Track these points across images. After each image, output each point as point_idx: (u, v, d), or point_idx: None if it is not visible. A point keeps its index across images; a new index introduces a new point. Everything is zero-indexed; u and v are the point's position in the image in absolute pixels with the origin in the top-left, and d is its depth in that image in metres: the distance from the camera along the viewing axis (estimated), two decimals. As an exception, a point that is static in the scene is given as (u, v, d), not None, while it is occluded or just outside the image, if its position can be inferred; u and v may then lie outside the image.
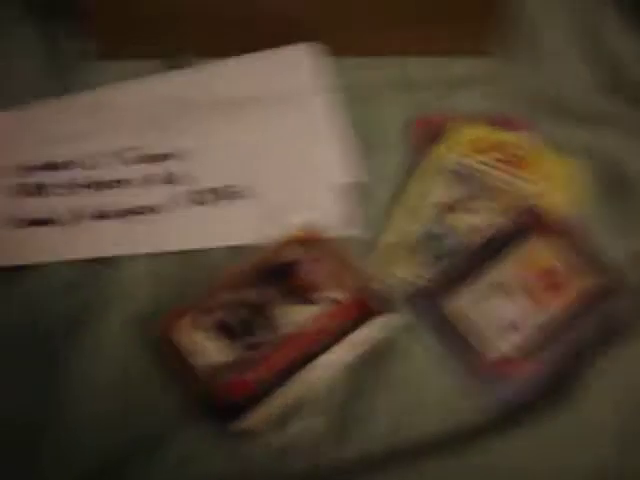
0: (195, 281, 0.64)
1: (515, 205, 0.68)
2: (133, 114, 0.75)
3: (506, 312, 0.62)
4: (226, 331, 0.60)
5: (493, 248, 0.65)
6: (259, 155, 0.72)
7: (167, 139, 0.73)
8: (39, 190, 0.70)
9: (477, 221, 0.67)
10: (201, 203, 0.69)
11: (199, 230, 0.68)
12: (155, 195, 0.70)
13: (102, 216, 0.69)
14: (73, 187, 0.70)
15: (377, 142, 0.74)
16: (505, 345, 0.60)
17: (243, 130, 0.73)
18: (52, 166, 0.72)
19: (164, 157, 0.72)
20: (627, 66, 0.79)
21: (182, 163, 0.72)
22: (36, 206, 0.69)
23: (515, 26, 0.82)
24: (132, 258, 0.67)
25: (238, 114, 0.75)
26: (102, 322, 0.63)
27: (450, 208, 0.68)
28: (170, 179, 0.71)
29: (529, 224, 0.66)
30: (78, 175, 0.71)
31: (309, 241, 0.65)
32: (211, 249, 0.67)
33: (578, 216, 0.68)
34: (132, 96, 0.77)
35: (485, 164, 0.70)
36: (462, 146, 0.72)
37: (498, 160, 0.71)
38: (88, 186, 0.70)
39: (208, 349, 0.59)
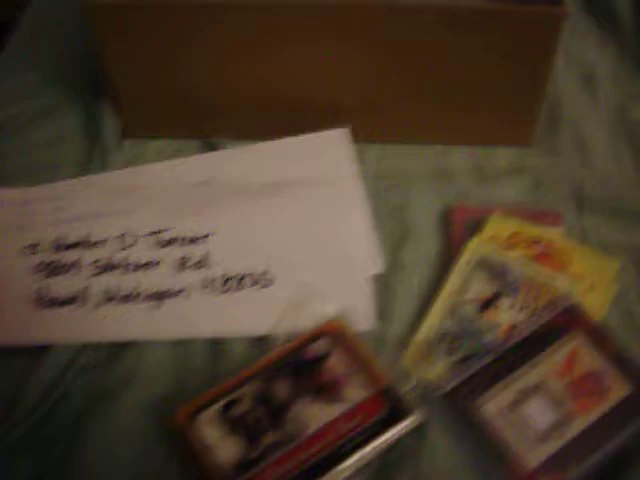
0: (219, 370, 0.63)
1: (553, 303, 0.65)
2: (165, 195, 0.76)
3: (540, 419, 0.58)
4: (245, 427, 0.58)
5: (529, 348, 0.63)
6: (288, 242, 0.71)
7: (198, 223, 0.73)
8: (67, 268, 0.70)
9: (513, 319, 0.65)
10: (230, 289, 0.68)
11: (226, 317, 0.67)
12: (183, 280, 0.69)
13: (129, 298, 0.68)
14: (102, 267, 0.70)
15: (414, 231, 0.73)
16: (537, 457, 0.56)
17: (274, 216, 0.73)
18: (85, 244, 0.72)
19: (194, 241, 0.71)
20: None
21: (212, 248, 0.71)
22: (63, 285, 0.69)
23: (558, 119, 0.82)
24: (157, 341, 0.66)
25: (269, 200, 0.74)
26: (120, 406, 0.62)
27: (486, 304, 0.66)
28: (199, 264, 0.70)
29: (567, 324, 0.64)
30: (108, 255, 0.71)
31: (336, 335, 0.63)
32: (237, 337, 0.66)
33: (613, 317, 0.66)
34: (165, 177, 0.77)
35: (522, 259, 0.68)
36: (500, 240, 0.70)
37: (536, 256, 0.68)
38: (117, 266, 0.70)
39: (225, 446, 0.57)
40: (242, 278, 0.69)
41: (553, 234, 0.70)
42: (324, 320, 0.64)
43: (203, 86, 0.78)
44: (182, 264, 0.70)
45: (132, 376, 0.64)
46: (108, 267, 0.70)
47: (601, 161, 0.79)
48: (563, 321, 0.64)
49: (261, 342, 0.65)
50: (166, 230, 0.72)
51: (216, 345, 0.65)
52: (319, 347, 0.62)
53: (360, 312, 0.66)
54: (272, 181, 0.76)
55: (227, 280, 0.69)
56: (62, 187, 0.77)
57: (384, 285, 0.69)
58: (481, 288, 0.67)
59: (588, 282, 0.67)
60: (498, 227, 0.71)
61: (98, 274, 0.69)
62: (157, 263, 0.70)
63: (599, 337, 0.63)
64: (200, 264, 0.70)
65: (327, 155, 0.77)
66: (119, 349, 0.65)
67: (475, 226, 0.71)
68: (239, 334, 0.66)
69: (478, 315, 0.66)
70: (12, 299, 0.68)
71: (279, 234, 0.72)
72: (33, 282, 0.69)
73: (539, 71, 0.73)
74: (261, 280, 0.69)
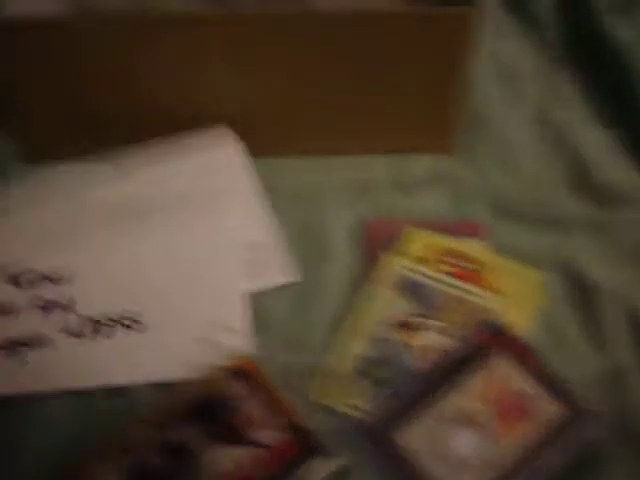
0: (115, 420, 0.58)
1: (474, 322, 0.62)
2: (18, 222, 0.68)
3: (465, 446, 0.55)
4: (142, 478, 0.53)
5: (448, 371, 0.59)
6: (163, 273, 0.65)
7: (58, 256, 0.65)
8: None
9: (430, 341, 0.61)
10: (100, 335, 0.62)
11: (99, 367, 0.61)
12: (45, 324, 0.62)
13: None
14: None
15: (328, 250, 0.69)
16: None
17: (147, 244, 0.66)
18: None
19: (56, 280, 0.64)
20: (593, 166, 0.76)
21: (77, 287, 0.64)
22: None
23: (478, 124, 0.80)
24: (45, 394, 0.60)
25: (143, 224, 0.68)
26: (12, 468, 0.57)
27: (401, 326, 0.62)
28: (64, 307, 0.63)
29: (490, 343, 0.61)
30: None
31: (243, 374, 0.59)
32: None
33: (540, 332, 0.63)
34: (30, 203, 0.70)
35: (439, 276, 0.65)
36: (415, 255, 0.66)
37: (453, 271, 0.65)
38: None
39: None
40: (113, 322, 0.63)
41: (473, 247, 0.67)
42: (227, 358, 0.60)
43: (103, 100, 0.73)
44: (45, 308, 0.63)
45: (24, 428, 0.59)
46: None
47: (523, 166, 0.76)
48: (486, 340, 0.61)
49: (160, 388, 0.60)
50: (21, 265, 0.65)
51: (110, 393, 0.60)
52: (226, 388, 0.58)
53: (238, 333, 0.62)
54: (150, 198, 0.69)
55: (96, 325, 0.62)
56: None
57: (297, 310, 0.65)
58: (399, 309, 0.63)
59: (511, 297, 0.64)
60: (415, 243, 0.67)
61: None
62: (15, 307, 0.63)
63: (524, 356, 0.60)
64: (65, 307, 0.63)
65: (217, 169, 0.72)
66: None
67: (392, 242, 0.68)
68: (114, 384, 0.60)
69: (396, 338, 0.62)
70: None
71: (152, 264, 0.65)
72: None
73: (454, 74, 0.70)
74: (134, 323, 0.63)
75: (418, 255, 0.66)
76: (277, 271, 0.67)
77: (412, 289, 0.64)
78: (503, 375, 0.59)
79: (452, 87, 0.71)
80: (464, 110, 0.74)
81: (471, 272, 0.65)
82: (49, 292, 0.64)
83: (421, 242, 0.67)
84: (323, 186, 0.74)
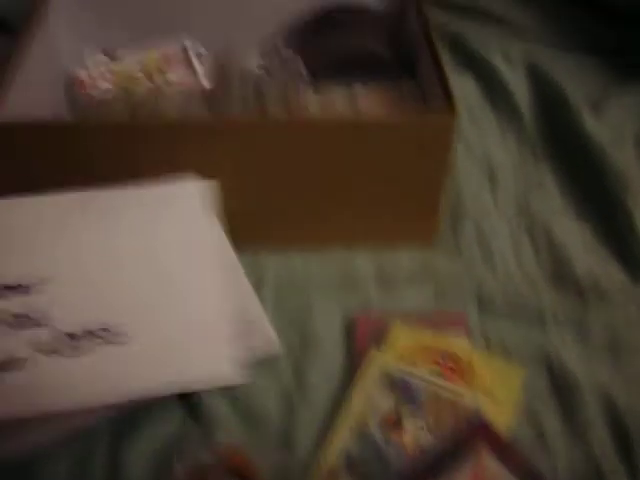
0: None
1: (458, 420, 0.64)
2: None
3: None
4: None
5: (431, 468, 0.61)
6: (143, 283, 0.60)
7: (29, 264, 0.58)
8: None
9: (420, 439, 0.63)
10: (80, 351, 0.56)
11: (82, 386, 0.56)
12: (21, 344, 0.56)
13: None
14: None
15: (317, 345, 0.71)
16: None
17: (119, 255, 0.60)
18: None
19: (27, 290, 0.57)
20: (571, 259, 0.78)
21: (51, 298, 0.57)
22: None
23: (460, 216, 0.82)
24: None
25: (114, 228, 0.62)
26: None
27: (391, 425, 0.64)
28: (37, 321, 0.57)
29: (472, 440, 0.62)
30: None
31: (233, 470, 0.60)
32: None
33: (521, 427, 0.65)
34: None
35: (424, 374, 0.66)
36: (403, 353, 0.68)
37: (440, 369, 0.67)
38: None
39: None
40: (91, 336, 0.57)
41: (456, 344, 0.69)
42: (224, 453, 0.60)
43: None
44: (17, 323, 0.56)
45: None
46: None
47: (502, 258, 0.78)
48: (468, 437, 0.62)
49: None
50: None
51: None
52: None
53: (220, 373, 0.60)
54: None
55: (73, 340, 0.56)
56: None
57: (286, 407, 0.66)
58: (386, 407, 0.65)
59: (493, 394, 0.66)
60: (401, 339, 0.69)
61: None
62: None
63: (505, 452, 0.61)
64: (38, 322, 0.57)
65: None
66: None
67: (379, 337, 0.69)
68: (99, 402, 0.57)
69: (384, 437, 0.63)
70: None
71: (132, 273, 0.60)
72: None
73: (438, 171, 0.73)
74: (116, 336, 0.57)
75: (404, 352, 0.68)
76: (260, 340, 0.67)
77: (397, 386, 0.66)
78: (485, 472, 0.60)
79: (436, 182, 0.74)
80: (446, 202, 0.77)
81: (455, 370, 0.67)
82: (17, 305, 0.57)
83: (407, 339, 0.69)
84: (309, 280, 0.76)
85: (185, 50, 0.91)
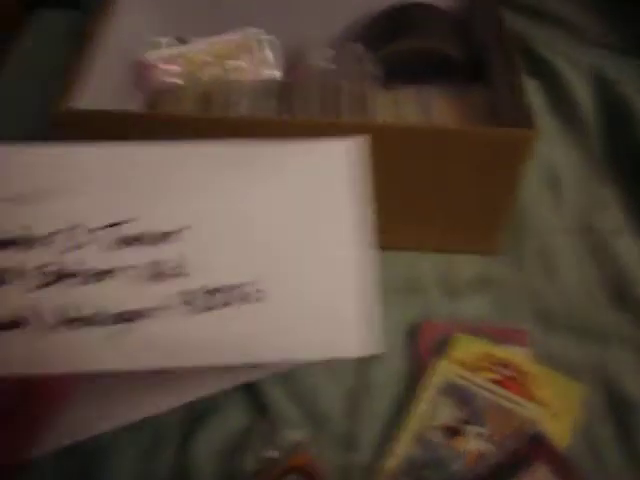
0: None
1: (518, 432, 0.65)
2: (119, 175, 0.56)
3: None
4: None
5: (493, 476, 0.63)
6: (283, 241, 0.56)
7: (168, 211, 0.55)
8: (7, 277, 0.53)
9: (480, 447, 0.65)
10: (214, 306, 0.54)
11: (213, 343, 0.54)
12: (155, 293, 0.53)
13: (88, 320, 0.52)
14: (50, 276, 0.53)
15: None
16: None
17: (270, 200, 0.57)
18: (27, 240, 0.53)
19: (165, 238, 0.55)
20: (633, 279, 0.78)
21: (188, 247, 0.55)
22: (6, 301, 0.52)
23: (523, 228, 0.83)
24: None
25: (264, 179, 0.57)
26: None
27: (453, 432, 0.66)
28: (174, 271, 0.54)
29: (531, 453, 0.64)
30: (57, 258, 0.53)
31: (297, 469, 0.62)
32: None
33: (577, 445, 0.66)
34: (108, 157, 0.57)
35: (485, 383, 0.68)
36: (466, 362, 0.70)
37: (501, 380, 0.68)
38: (70, 275, 0.53)
39: None
40: (228, 291, 0.54)
41: (518, 356, 0.70)
42: (290, 450, 0.63)
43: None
44: (153, 271, 0.54)
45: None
46: (61, 275, 0.53)
47: (565, 274, 0.79)
48: (527, 450, 0.64)
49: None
50: (127, 222, 0.54)
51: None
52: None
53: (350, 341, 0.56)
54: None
55: (210, 294, 0.54)
56: None
57: (350, 409, 0.68)
58: (448, 414, 0.67)
59: (553, 409, 0.67)
60: (464, 348, 0.71)
61: (46, 286, 0.52)
62: (123, 269, 0.53)
63: (563, 468, 0.63)
64: (176, 271, 0.54)
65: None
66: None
67: (442, 345, 0.71)
68: (230, 362, 0.54)
69: (445, 443, 0.65)
70: None
71: (274, 227, 0.56)
72: None
73: (508, 185, 0.74)
74: (251, 294, 0.54)
75: (466, 360, 0.70)
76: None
77: (462, 396, 0.67)
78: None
79: (506, 195, 0.75)
80: (511, 213, 0.78)
81: (517, 382, 0.68)
82: (158, 253, 0.54)
83: (469, 348, 0.71)
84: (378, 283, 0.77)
85: (256, 38, 0.92)
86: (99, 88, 0.74)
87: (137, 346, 0.52)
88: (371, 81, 0.85)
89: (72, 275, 0.52)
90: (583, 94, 0.94)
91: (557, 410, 0.67)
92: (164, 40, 0.93)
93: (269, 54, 0.91)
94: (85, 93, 0.71)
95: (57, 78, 0.71)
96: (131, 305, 0.53)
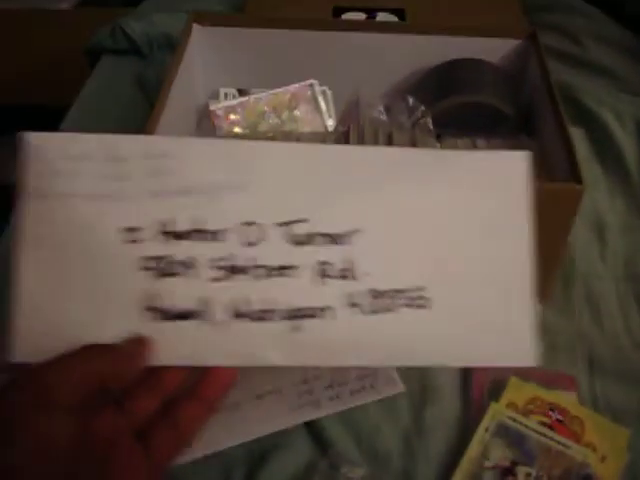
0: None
1: (568, 473, 0.68)
2: (291, 174, 0.56)
3: None
4: None
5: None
6: (451, 249, 0.56)
7: (339, 214, 0.55)
8: (183, 268, 0.53)
9: (532, 488, 0.68)
10: (379, 310, 0.54)
11: (376, 346, 0.54)
12: (325, 293, 0.54)
13: (262, 315, 0.53)
14: (225, 269, 0.53)
15: (436, 390, 0.76)
16: None
17: (434, 218, 0.56)
18: (201, 233, 0.53)
19: (336, 240, 0.55)
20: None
21: (358, 251, 0.55)
22: (179, 292, 0.52)
23: (573, 273, 0.85)
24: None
25: (438, 186, 0.57)
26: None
27: (505, 473, 0.69)
28: (343, 272, 0.54)
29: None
30: (231, 252, 0.53)
31: None
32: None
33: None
34: (285, 155, 0.57)
35: (539, 427, 0.71)
36: (518, 405, 0.73)
37: (551, 423, 0.72)
38: (244, 270, 0.53)
39: None
40: (394, 295, 0.54)
41: (568, 401, 0.74)
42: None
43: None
44: (322, 272, 0.54)
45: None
46: (233, 270, 0.53)
47: (610, 320, 0.82)
48: (579, 492, 0.67)
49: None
50: (299, 222, 0.54)
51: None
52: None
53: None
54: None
55: (376, 297, 0.54)
56: (163, 142, 0.54)
57: (406, 448, 0.71)
58: (500, 455, 0.70)
59: (600, 452, 0.70)
60: (516, 392, 0.74)
61: (219, 280, 0.53)
62: (294, 268, 0.54)
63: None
64: (344, 273, 0.54)
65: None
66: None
67: (493, 388, 0.75)
68: (391, 364, 0.60)
69: (498, 484, 0.69)
70: (116, 305, 0.52)
71: (445, 236, 0.56)
72: (139, 283, 0.52)
73: (559, 235, 0.77)
74: (416, 299, 0.54)
75: (518, 403, 0.73)
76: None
77: (514, 438, 0.71)
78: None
79: (555, 245, 0.77)
80: (562, 261, 0.81)
81: (566, 425, 0.72)
82: (327, 253, 0.54)
83: (521, 391, 0.74)
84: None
85: (311, 88, 0.97)
86: (167, 132, 0.80)
87: (304, 344, 0.53)
88: (422, 132, 0.90)
89: (244, 271, 0.53)
90: (627, 144, 0.98)
91: (605, 453, 0.70)
92: (226, 90, 0.98)
93: (323, 104, 0.96)
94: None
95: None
96: (299, 304, 0.53)
